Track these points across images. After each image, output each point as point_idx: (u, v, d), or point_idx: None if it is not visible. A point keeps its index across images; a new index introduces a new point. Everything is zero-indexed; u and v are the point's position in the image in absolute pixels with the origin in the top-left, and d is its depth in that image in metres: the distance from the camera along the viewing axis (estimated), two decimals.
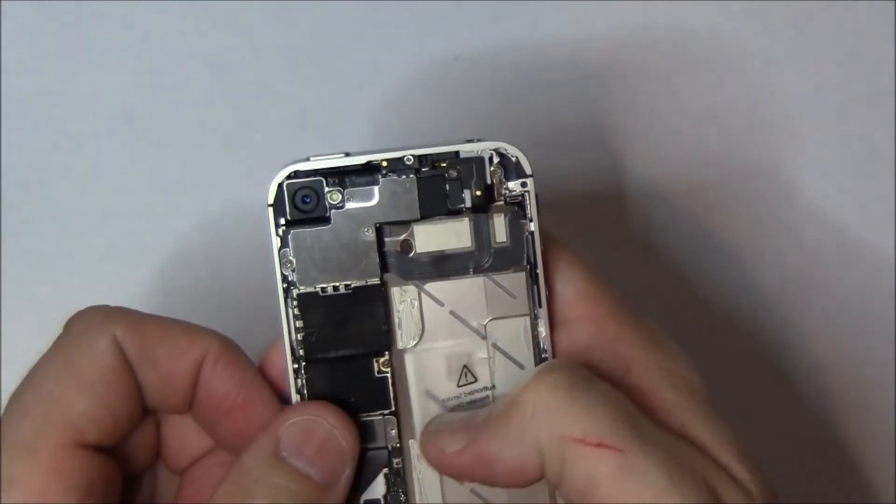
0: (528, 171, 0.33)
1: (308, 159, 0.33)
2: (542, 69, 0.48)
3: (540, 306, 0.34)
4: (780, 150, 0.49)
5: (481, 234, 0.34)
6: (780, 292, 0.49)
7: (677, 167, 0.48)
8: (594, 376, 0.31)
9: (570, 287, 0.34)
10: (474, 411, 0.33)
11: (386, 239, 0.34)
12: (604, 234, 0.48)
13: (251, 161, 0.47)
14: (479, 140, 0.33)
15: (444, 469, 0.33)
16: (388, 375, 0.34)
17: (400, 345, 0.34)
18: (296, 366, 0.34)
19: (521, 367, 0.34)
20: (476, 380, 0.34)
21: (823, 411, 0.49)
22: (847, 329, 0.49)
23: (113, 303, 0.46)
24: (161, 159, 0.47)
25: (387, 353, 0.34)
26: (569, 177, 0.48)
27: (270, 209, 0.33)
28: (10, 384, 0.45)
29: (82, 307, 0.46)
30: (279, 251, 0.33)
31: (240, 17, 0.47)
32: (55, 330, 0.46)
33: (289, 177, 0.33)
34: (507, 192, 0.34)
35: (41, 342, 0.46)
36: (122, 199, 0.46)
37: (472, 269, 0.34)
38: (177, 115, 0.47)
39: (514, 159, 0.33)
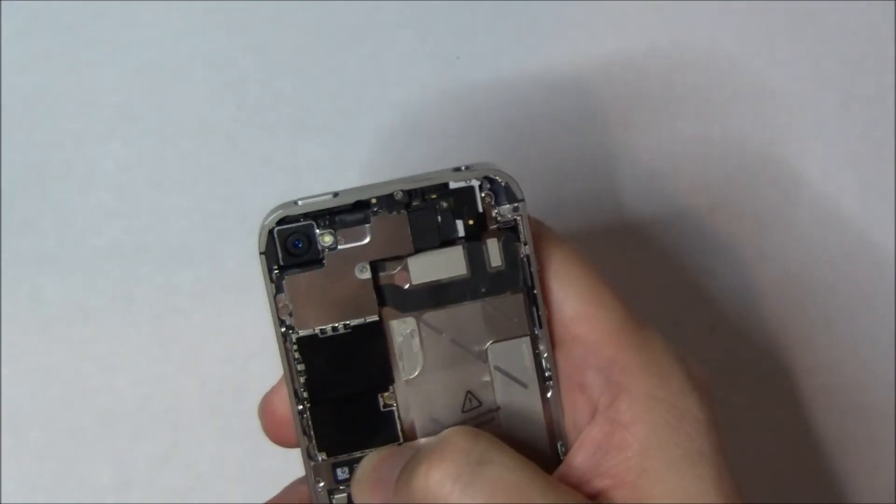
0: (520, 195, 0.33)
1: (296, 203, 0.33)
2: (543, 68, 0.48)
3: (540, 326, 0.34)
4: (781, 149, 0.49)
5: (476, 260, 0.33)
6: (781, 291, 0.49)
7: (679, 166, 0.48)
8: (489, 454, 0.31)
9: (567, 308, 0.33)
10: (397, 456, 0.33)
11: (381, 273, 0.33)
12: (604, 233, 0.48)
13: (253, 160, 0.47)
14: (467, 168, 0.33)
15: None
16: (394, 408, 0.34)
17: (403, 377, 0.34)
18: (300, 407, 0.34)
19: (525, 385, 0.34)
20: (480, 403, 0.34)
21: (823, 411, 0.49)
22: (847, 328, 0.49)
23: (113, 303, 0.47)
24: (162, 158, 0.47)
25: (391, 386, 0.34)
26: (569, 173, 0.48)
27: (262, 257, 0.33)
28: (10, 384, 0.46)
29: (82, 307, 0.46)
30: (275, 297, 0.33)
31: (240, 17, 0.47)
32: (55, 330, 0.46)
33: (279, 222, 0.33)
34: (500, 216, 0.33)
35: (41, 342, 0.46)
36: (123, 198, 0.46)
37: (469, 296, 0.34)
38: (178, 114, 0.47)
39: (503, 184, 0.33)
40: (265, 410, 0.35)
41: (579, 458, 0.32)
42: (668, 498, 0.31)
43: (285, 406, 0.34)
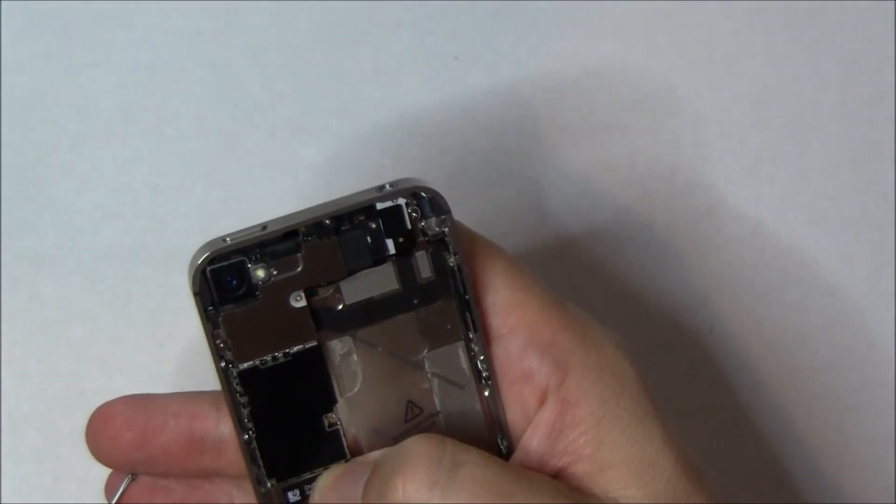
0: (446, 208, 0.33)
1: (225, 240, 0.32)
2: (542, 68, 0.48)
3: (475, 330, 0.34)
4: (780, 149, 0.49)
5: (406, 273, 0.34)
6: (780, 292, 0.49)
7: (678, 165, 0.48)
8: (458, 455, 0.31)
9: (499, 299, 0.34)
10: (352, 473, 0.33)
11: (314, 298, 0.33)
12: (605, 233, 0.48)
13: (251, 161, 0.47)
14: (391, 186, 0.33)
15: None
16: (339, 428, 0.34)
17: (345, 395, 0.34)
18: (247, 437, 0.34)
19: (462, 387, 0.34)
20: (422, 411, 0.34)
21: (823, 411, 0.49)
22: (846, 329, 0.49)
23: (112, 303, 0.47)
24: (161, 159, 0.47)
25: (334, 406, 0.34)
26: (571, 170, 0.48)
27: (197, 297, 0.32)
28: (11, 384, 0.46)
29: (81, 308, 0.46)
30: (212, 334, 0.33)
31: (240, 17, 0.47)
32: (54, 331, 0.46)
33: (211, 261, 0.32)
34: (428, 230, 0.33)
35: (41, 342, 0.46)
36: (122, 198, 0.47)
37: (402, 308, 0.34)
38: (176, 115, 0.47)
39: (429, 198, 0.33)
40: (97, 425, 0.35)
41: (535, 443, 0.33)
42: (628, 463, 0.32)
43: (121, 420, 0.34)
